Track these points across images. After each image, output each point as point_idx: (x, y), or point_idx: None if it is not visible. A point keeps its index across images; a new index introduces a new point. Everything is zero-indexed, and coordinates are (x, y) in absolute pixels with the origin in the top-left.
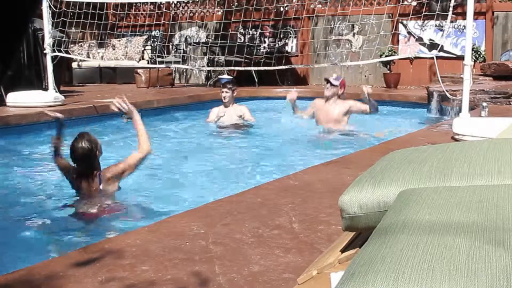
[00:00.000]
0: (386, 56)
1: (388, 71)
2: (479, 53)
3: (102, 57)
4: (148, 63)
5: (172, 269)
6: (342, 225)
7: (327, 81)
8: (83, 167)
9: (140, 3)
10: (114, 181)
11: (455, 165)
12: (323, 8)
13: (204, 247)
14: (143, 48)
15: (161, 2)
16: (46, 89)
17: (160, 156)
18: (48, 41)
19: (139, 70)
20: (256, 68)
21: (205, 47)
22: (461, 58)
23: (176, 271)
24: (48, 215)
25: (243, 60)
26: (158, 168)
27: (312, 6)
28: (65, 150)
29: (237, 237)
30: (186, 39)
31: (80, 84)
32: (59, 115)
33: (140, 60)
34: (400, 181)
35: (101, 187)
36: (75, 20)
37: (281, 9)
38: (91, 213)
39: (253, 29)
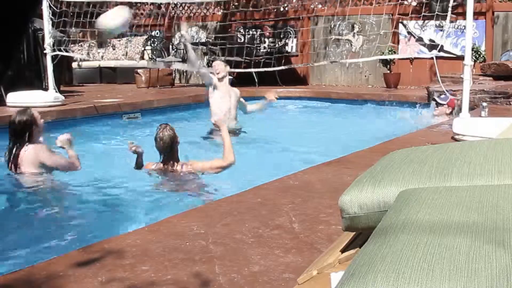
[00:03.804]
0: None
1: (388, 71)
2: (479, 53)
3: (102, 57)
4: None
5: (172, 269)
6: (342, 225)
7: (434, 100)
8: (166, 155)
9: (140, 3)
10: (193, 173)
11: (455, 165)
12: (323, 8)
13: (204, 247)
14: (143, 48)
15: (161, 2)
16: (46, 89)
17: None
18: (48, 41)
19: (139, 70)
20: (256, 70)
21: (205, 48)
22: (461, 58)
23: (176, 271)
24: (48, 216)
25: (243, 60)
26: None
27: (312, 6)
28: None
29: (237, 237)
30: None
31: (80, 84)
32: (139, 149)
33: (140, 60)
34: (400, 181)
35: (181, 173)
36: (75, 20)
37: (281, 9)
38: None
39: (253, 29)
